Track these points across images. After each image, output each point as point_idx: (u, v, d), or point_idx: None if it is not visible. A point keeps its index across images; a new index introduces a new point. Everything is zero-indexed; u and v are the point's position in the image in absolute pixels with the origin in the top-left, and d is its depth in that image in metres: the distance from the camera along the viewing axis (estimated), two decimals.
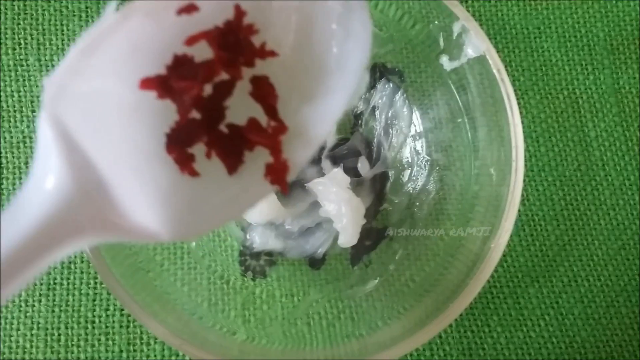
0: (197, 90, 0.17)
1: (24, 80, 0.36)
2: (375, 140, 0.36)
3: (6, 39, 0.37)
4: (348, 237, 0.34)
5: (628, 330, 0.36)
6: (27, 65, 0.36)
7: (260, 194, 0.20)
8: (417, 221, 0.35)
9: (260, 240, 0.35)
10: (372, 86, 0.36)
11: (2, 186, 0.35)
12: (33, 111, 0.36)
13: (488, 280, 0.36)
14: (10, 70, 0.36)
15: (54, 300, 0.33)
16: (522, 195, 0.38)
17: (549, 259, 0.37)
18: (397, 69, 0.35)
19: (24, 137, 0.35)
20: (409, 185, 0.35)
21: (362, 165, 0.36)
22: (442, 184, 0.34)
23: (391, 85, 0.35)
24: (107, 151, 0.18)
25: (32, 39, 0.37)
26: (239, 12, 0.18)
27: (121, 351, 0.32)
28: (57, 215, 0.17)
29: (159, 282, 0.31)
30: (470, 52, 0.30)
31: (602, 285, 0.37)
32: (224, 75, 0.18)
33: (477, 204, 0.31)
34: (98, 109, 0.18)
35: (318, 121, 0.20)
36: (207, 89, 0.18)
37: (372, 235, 0.36)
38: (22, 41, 0.37)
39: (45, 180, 0.17)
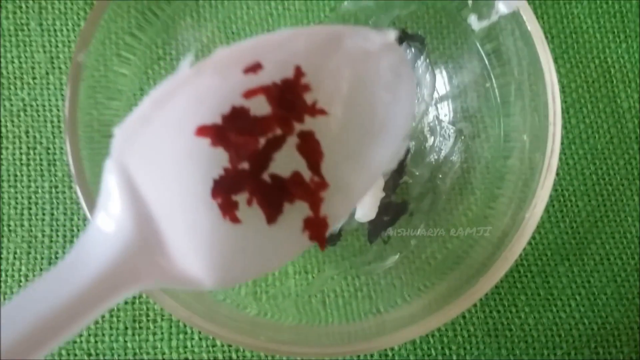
0: (254, 145, 0.18)
1: (25, 46, 0.34)
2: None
3: (6, 2, 0.35)
4: (366, 210, 0.32)
5: None
6: (29, 30, 0.35)
7: (297, 248, 0.20)
8: (439, 195, 0.32)
9: None
10: None
11: (2, 156, 0.33)
12: (34, 78, 0.34)
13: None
14: (10, 36, 0.34)
15: None
16: None
17: (580, 236, 0.35)
18: (418, 34, 0.33)
19: (24, 105, 0.34)
20: (431, 156, 0.33)
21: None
22: (467, 154, 0.32)
23: (412, 50, 0.33)
24: (161, 196, 0.18)
25: (33, 2, 0.35)
26: (299, 73, 0.19)
27: (126, 328, 0.30)
28: (118, 263, 0.17)
29: None
30: (502, 8, 0.27)
31: (635, 263, 0.34)
32: (277, 131, 0.19)
33: (507, 173, 0.29)
34: (157, 156, 0.18)
35: (358, 180, 0.21)
36: (260, 142, 0.19)
37: (391, 210, 0.34)
38: (23, 5, 0.35)
39: (108, 226, 0.17)
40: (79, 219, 0.32)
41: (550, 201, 0.35)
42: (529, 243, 0.34)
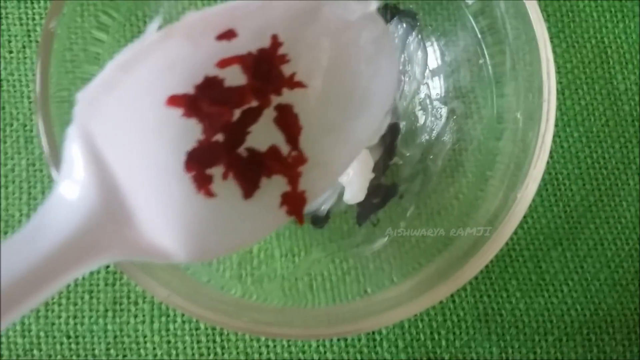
0: (228, 117, 0.18)
1: (0, 18, 0.33)
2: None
3: None
4: (354, 192, 0.31)
5: None
6: (4, 1, 0.33)
7: (274, 223, 0.20)
8: (430, 176, 0.32)
9: None
10: None
11: None
12: (10, 52, 0.33)
13: (507, 242, 0.33)
14: None
15: None
16: None
17: (574, 221, 0.34)
18: (410, 9, 0.32)
19: (0, 80, 0.32)
20: (423, 137, 0.32)
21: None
22: (459, 134, 0.31)
23: (404, 26, 0.32)
24: (129, 167, 0.17)
25: None
26: (275, 42, 0.18)
27: (106, 310, 0.30)
28: (82, 232, 0.16)
29: None
30: None
31: (630, 249, 0.34)
32: (253, 103, 0.18)
33: (499, 153, 0.28)
34: (124, 124, 0.18)
35: (338, 155, 0.20)
36: (235, 114, 0.18)
37: (381, 192, 0.33)
38: None
39: (71, 194, 0.17)
40: None
41: (543, 185, 0.34)
42: (521, 227, 0.33)
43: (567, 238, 0.34)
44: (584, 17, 0.37)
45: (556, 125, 0.35)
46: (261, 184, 0.19)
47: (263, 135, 0.19)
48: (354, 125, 0.20)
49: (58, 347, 0.29)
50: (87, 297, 0.30)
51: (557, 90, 0.35)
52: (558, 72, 0.36)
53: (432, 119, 0.32)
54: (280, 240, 0.32)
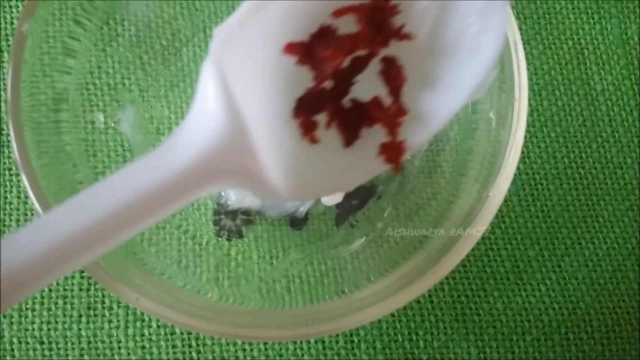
0: (339, 61, 0.18)
1: None
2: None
3: None
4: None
5: (636, 296, 0.33)
6: None
7: (371, 171, 0.21)
8: (407, 177, 0.32)
9: (236, 197, 0.32)
10: None
11: None
12: None
13: (484, 242, 0.33)
14: None
15: None
16: (523, 152, 0.35)
17: (551, 220, 0.34)
18: None
19: None
20: None
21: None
22: (436, 135, 0.31)
23: None
24: (252, 104, 0.18)
25: None
26: None
27: (80, 316, 0.29)
28: (211, 153, 0.18)
29: (126, 243, 0.28)
30: None
31: (607, 248, 0.34)
32: (362, 51, 0.19)
33: (473, 154, 0.28)
34: (249, 64, 0.19)
35: (439, 109, 0.20)
36: (345, 62, 0.19)
37: (359, 193, 0.33)
38: None
39: (204, 118, 0.18)
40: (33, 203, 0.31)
41: (520, 185, 0.34)
42: (499, 227, 0.33)
43: (544, 237, 0.34)
44: (560, 19, 0.37)
45: (533, 126, 0.35)
46: (361, 133, 0.20)
47: (368, 86, 0.19)
48: (458, 79, 0.20)
49: (31, 353, 0.29)
50: (60, 302, 0.29)
51: (534, 91, 0.36)
52: (535, 73, 0.36)
53: None
54: (259, 242, 0.31)
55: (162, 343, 0.29)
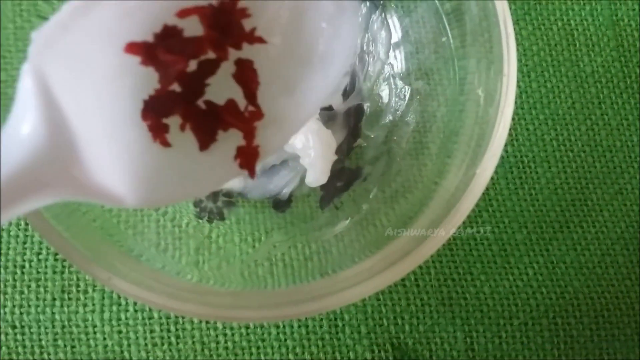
0: (182, 65, 0.18)
1: None
2: (349, 69, 0.32)
3: None
4: (317, 174, 0.30)
5: (625, 280, 0.33)
6: None
7: (228, 175, 0.20)
8: (394, 158, 0.31)
9: None
10: None
11: None
12: None
13: (471, 225, 0.33)
14: None
15: None
16: (511, 134, 0.35)
17: (539, 204, 0.33)
18: None
19: None
20: (387, 118, 0.31)
21: (335, 98, 0.32)
22: (423, 114, 0.30)
23: (367, 4, 0.31)
24: (84, 111, 0.18)
25: None
26: None
27: (54, 299, 0.28)
28: (26, 167, 0.17)
29: (100, 223, 0.27)
30: None
31: (596, 232, 0.33)
32: (210, 54, 0.18)
33: (461, 131, 0.27)
34: (82, 67, 0.18)
35: (295, 113, 0.20)
36: (192, 65, 0.18)
37: (345, 175, 0.32)
38: None
39: (20, 130, 0.17)
40: None
41: (508, 167, 0.34)
42: (486, 210, 0.33)
43: (532, 221, 0.33)
44: None
45: (522, 108, 0.35)
46: (218, 136, 0.19)
47: (222, 89, 0.19)
48: (312, 83, 0.20)
49: (3, 337, 0.28)
50: (34, 285, 0.28)
51: (523, 73, 0.35)
52: (524, 54, 0.35)
53: (396, 99, 0.31)
54: (241, 225, 0.31)
55: (140, 327, 0.28)
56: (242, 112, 0.19)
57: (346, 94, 0.32)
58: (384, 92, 0.32)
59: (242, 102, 0.19)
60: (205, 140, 0.19)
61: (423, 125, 0.30)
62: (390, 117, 0.31)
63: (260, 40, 0.19)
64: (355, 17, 0.21)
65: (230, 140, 0.19)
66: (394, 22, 0.31)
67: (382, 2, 0.31)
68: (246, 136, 0.19)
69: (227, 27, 0.18)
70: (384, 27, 0.31)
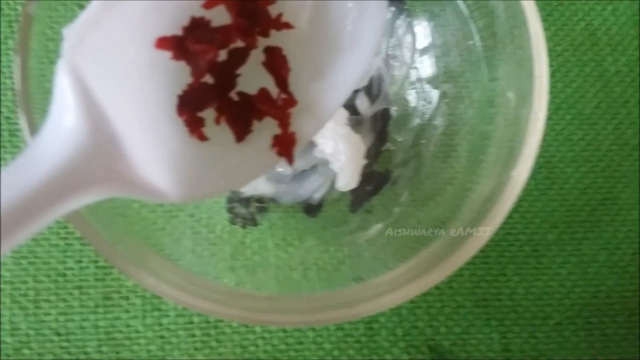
0: (212, 55, 0.17)
1: None
2: (375, 73, 0.33)
3: None
4: (347, 178, 0.30)
5: None
6: None
7: (266, 165, 0.20)
8: (423, 161, 0.31)
9: (249, 184, 0.31)
10: None
11: None
12: None
13: (502, 226, 0.33)
14: None
15: (20, 252, 0.29)
16: None
17: (569, 204, 0.33)
18: None
19: None
20: (414, 121, 0.32)
21: (361, 102, 0.33)
22: (451, 117, 0.31)
23: (392, 9, 0.32)
24: (121, 106, 0.18)
25: None
26: None
27: (97, 306, 0.29)
28: (72, 164, 0.17)
29: (139, 228, 0.27)
30: None
31: (627, 230, 0.33)
32: (239, 43, 0.18)
33: (492, 134, 0.27)
34: (115, 63, 0.18)
35: (327, 97, 0.20)
36: (222, 55, 0.18)
37: (374, 179, 0.32)
38: None
39: (61, 128, 0.17)
40: None
41: (537, 168, 0.34)
42: (517, 211, 0.33)
43: (563, 221, 0.33)
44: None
45: (548, 108, 0.35)
46: (253, 127, 0.19)
47: (253, 78, 0.19)
48: (343, 65, 0.20)
49: (48, 345, 0.28)
50: (76, 293, 0.29)
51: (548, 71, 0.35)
52: (548, 55, 0.36)
53: (423, 102, 0.32)
54: (273, 230, 0.31)
55: (181, 332, 0.29)
56: (275, 100, 0.19)
57: (372, 98, 0.33)
58: (411, 96, 0.32)
59: (274, 90, 0.19)
60: (241, 132, 0.19)
61: (452, 128, 0.30)
62: (418, 121, 0.32)
63: (288, 25, 0.19)
64: None
65: (266, 129, 0.19)
66: (419, 26, 0.31)
67: (406, 6, 0.32)
68: (281, 124, 0.19)
69: (253, 14, 0.18)
70: (409, 31, 0.32)
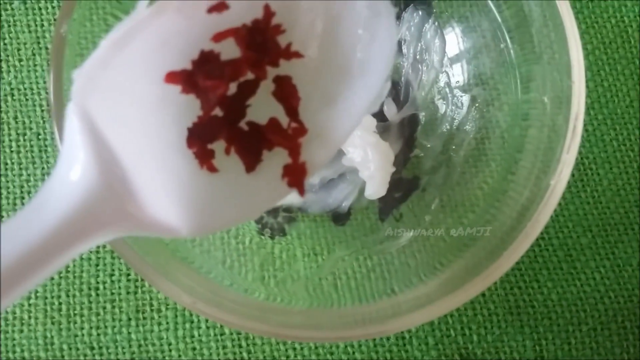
0: (223, 90, 0.18)
1: (9, 26, 0.33)
2: (402, 79, 0.32)
3: None
4: (376, 186, 0.30)
5: None
6: (12, 9, 0.33)
7: (277, 195, 0.20)
8: (453, 167, 0.31)
9: None
10: (397, 17, 0.32)
11: None
12: (20, 60, 0.32)
13: None
14: None
15: None
16: None
17: (602, 206, 0.33)
18: None
19: (11, 89, 0.32)
20: (444, 127, 0.31)
21: (389, 108, 0.32)
22: (482, 122, 0.30)
23: (420, 13, 0.31)
24: (130, 143, 0.18)
25: None
26: (268, 13, 0.18)
27: (129, 319, 0.29)
28: (82, 208, 0.17)
29: (169, 242, 0.27)
30: None
31: None
32: (249, 75, 0.18)
33: (526, 141, 0.27)
34: (123, 102, 0.18)
35: (338, 125, 0.20)
36: (232, 88, 0.18)
37: (402, 186, 0.32)
38: None
39: (71, 172, 0.17)
40: None
41: None
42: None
43: (596, 224, 0.33)
44: None
45: None
46: (263, 157, 0.19)
47: (263, 108, 0.19)
48: (353, 93, 0.20)
49: (82, 359, 0.29)
50: (109, 306, 0.29)
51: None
52: None
53: (453, 107, 0.31)
54: (302, 240, 0.31)
55: (213, 344, 0.29)
56: (285, 130, 0.19)
57: (400, 103, 0.32)
58: (439, 101, 0.32)
59: (284, 120, 0.19)
60: (251, 162, 0.19)
61: (483, 134, 0.30)
62: (447, 126, 0.31)
63: (297, 55, 0.19)
64: (392, 18, 0.20)
65: (276, 159, 0.19)
66: (448, 29, 0.31)
67: (435, 10, 0.31)
68: (291, 153, 0.19)
69: (263, 45, 0.18)
70: (438, 36, 0.31)
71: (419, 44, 0.32)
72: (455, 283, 0.25)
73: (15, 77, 0.32)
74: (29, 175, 0.31)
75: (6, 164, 0.31)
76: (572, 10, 0.35)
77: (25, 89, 0.32)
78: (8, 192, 0.31)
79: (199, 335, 0.29)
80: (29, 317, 0.29)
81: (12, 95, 0.32)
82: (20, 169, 0.31)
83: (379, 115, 0.32)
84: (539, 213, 0.23)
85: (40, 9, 0.32)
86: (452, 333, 0.30)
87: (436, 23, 0.31)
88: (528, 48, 0.27)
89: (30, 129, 0.31)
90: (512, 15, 0.27)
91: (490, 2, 0.28)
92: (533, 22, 0.26)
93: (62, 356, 0.29)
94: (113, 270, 0.30)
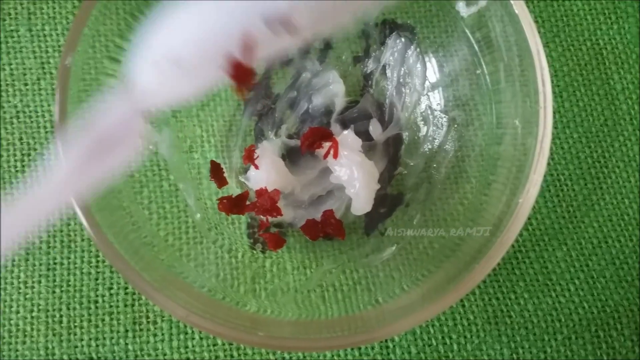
0: None
1: (15, 52, 0.34)
2: (387, 101, 0.34)
3: None
4: (362, 203, 0.32)
5: None
6: (18, 36, 0.34)
7: None
8: (434, 184, 0.32)
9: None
10: (381, 43, 0.34)
11: None
12: (25, 84, 0.34)
13: (513, 244, 0.34)
14: (0, 43, 0.34)
15: (54, 281, 0.31)
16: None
17: (577, 220, 0.35)
18: (408, 24, 0.33)
19: (17, 112, 0.34)
20: (425, 146, 0.33)
21: (374, 128, 0.34)
22: (461, 142, 0.32)
23: (402, 40, 0.33)
24: None
25: (22, 8, 0.35)
26: None
27: (127, 331, 0.31)
28: None
29: (165, 257, 0.29)
30: None
31: (634, 246, 0.34)
32: None
33: (500, 160, 0.29)
34: None
35: None
36: None
37: (387, 202, 0.34)
38: (11, 11, 0.35)
39: None
40: (75, 224, 0.32)
41: (546, 186, 0.35)
42: (526, 229, 0.34)
43: (571, 238, 0.34)
44: (578, 20, 0.37)
45: (556, 127, 0.36)
46: None
47: None
48: None
49: None
50: (107, 319, 0.31)
51: (555, 93, 0.36)
52: (555, 75, 0.37)
53: (434, 128, 0.33)
54: (292, 254, 0.32)
55: (206, 354, 0.31)
56: None
57: (385, 124, 0.34)
58: (421, 122, 0.34)
59: None
60: None
61: (462, 154, 0.31)
62: (428, 145, 0.33)
63: None
64: None
65: None
66: (429, 55, 0.33)
67: (417, 37, 0.33)
68: None
69: None
70: (419, 61, 0.33)
71: (402, 69, 0.33)
72: (435, 293, 0.26)
73: (21, 101, 0.33)
74: None
75: (12, 182, 0.33)
76: (549, 35, 0.37)
77: (30, 111, 0.33)
78: None
79: (193, 346, 0.31)
80: (31, 329, 0.31)
81: (18, 117, 0.33)
82: (25, 188, 0.32)
83: (365, 135, 0.33)
84: (509, 229, 0.25)
85: (45, 36, 0.34)
86: (434, 342, 0.32)
87: (418, 49, 0.33)
88: (500, 75, 0.29)
89: (35, 149, 0.33)
90: (486, 45, 0.29)
91: (467, 31, 0.30)
92: (504, 52, 0.28)
93: None
94: (112, 283, 0.31)
